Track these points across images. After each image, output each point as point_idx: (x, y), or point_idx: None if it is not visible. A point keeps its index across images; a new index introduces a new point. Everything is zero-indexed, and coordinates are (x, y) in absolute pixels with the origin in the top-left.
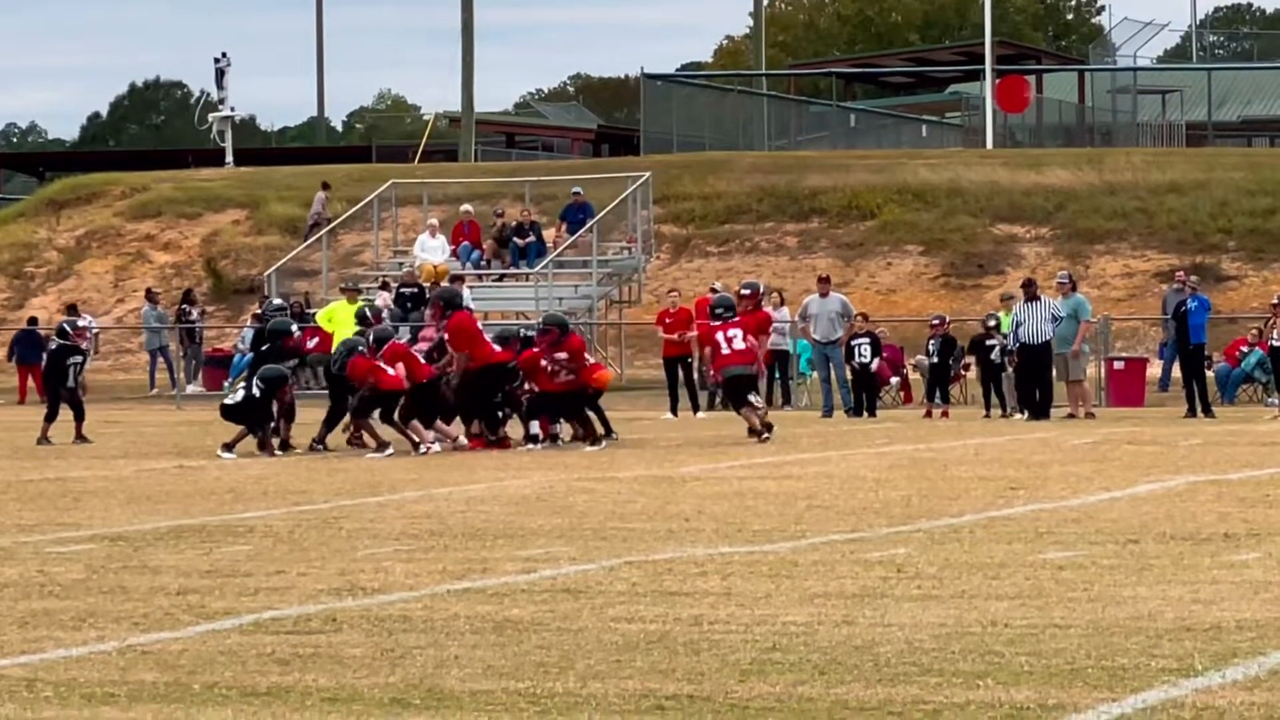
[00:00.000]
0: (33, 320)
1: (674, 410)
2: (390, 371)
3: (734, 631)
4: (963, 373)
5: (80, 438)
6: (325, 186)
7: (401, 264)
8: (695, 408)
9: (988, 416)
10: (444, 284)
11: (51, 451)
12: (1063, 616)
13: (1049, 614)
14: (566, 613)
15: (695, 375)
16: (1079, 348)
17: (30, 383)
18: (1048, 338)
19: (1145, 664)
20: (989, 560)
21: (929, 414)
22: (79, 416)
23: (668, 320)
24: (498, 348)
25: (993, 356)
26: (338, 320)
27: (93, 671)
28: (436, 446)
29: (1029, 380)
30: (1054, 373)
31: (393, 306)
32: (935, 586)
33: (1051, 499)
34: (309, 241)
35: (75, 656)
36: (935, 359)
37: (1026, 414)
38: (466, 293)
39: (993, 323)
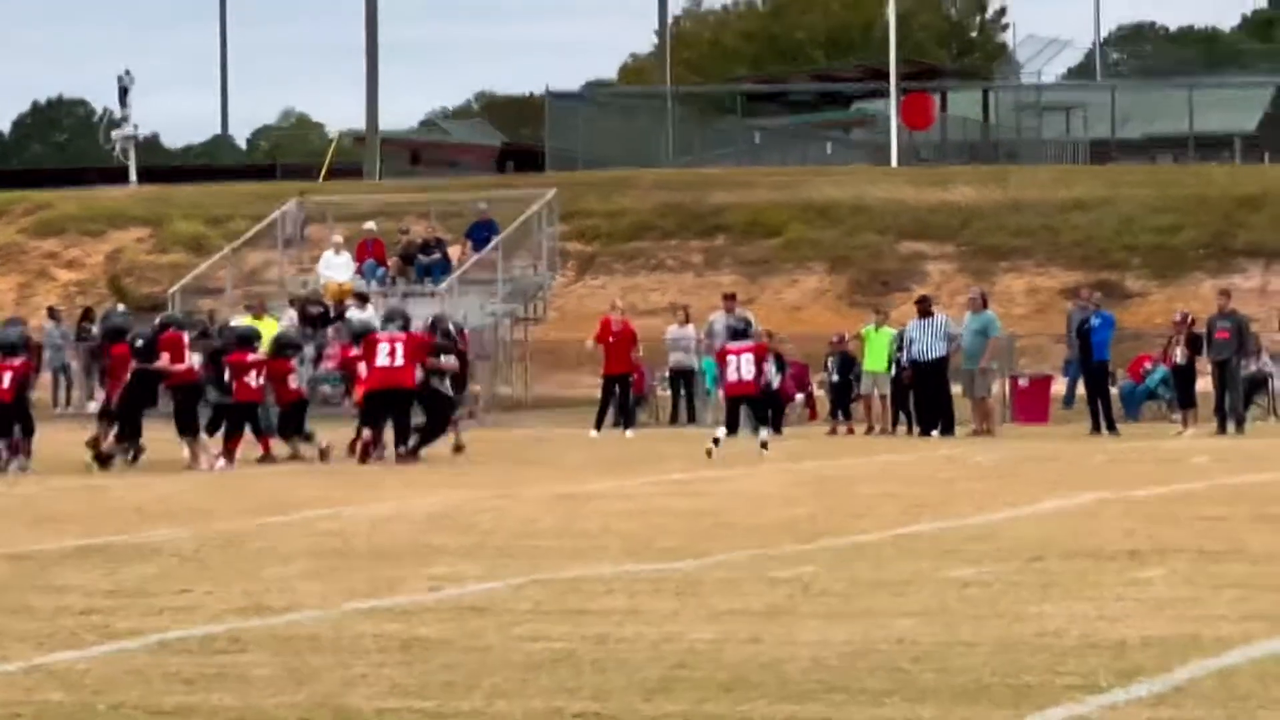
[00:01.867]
0: None
1: (598, 427)
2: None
3: (640, 649)
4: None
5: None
6: (302, 194)
7: (305, 282)
8: (628, 425)
9: (891, 433)
10: (348, 301)
11: None
12: (969, 634)
13: (955, 631)
14: (473, 631)
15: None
16: (986, 364)
17: None
18: (941, 354)
19: (1051, 681)
20: (895, 578)
21: (834, 431)
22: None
23: (610, 339)
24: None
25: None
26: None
27: None
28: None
29: (923, 397)
30: (952, 389)
31: (297, 324)
32: (842, 604)
33: (957, 516)
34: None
35: None
36: (836, 376)
37: (919, 431)
38: (370, 310)
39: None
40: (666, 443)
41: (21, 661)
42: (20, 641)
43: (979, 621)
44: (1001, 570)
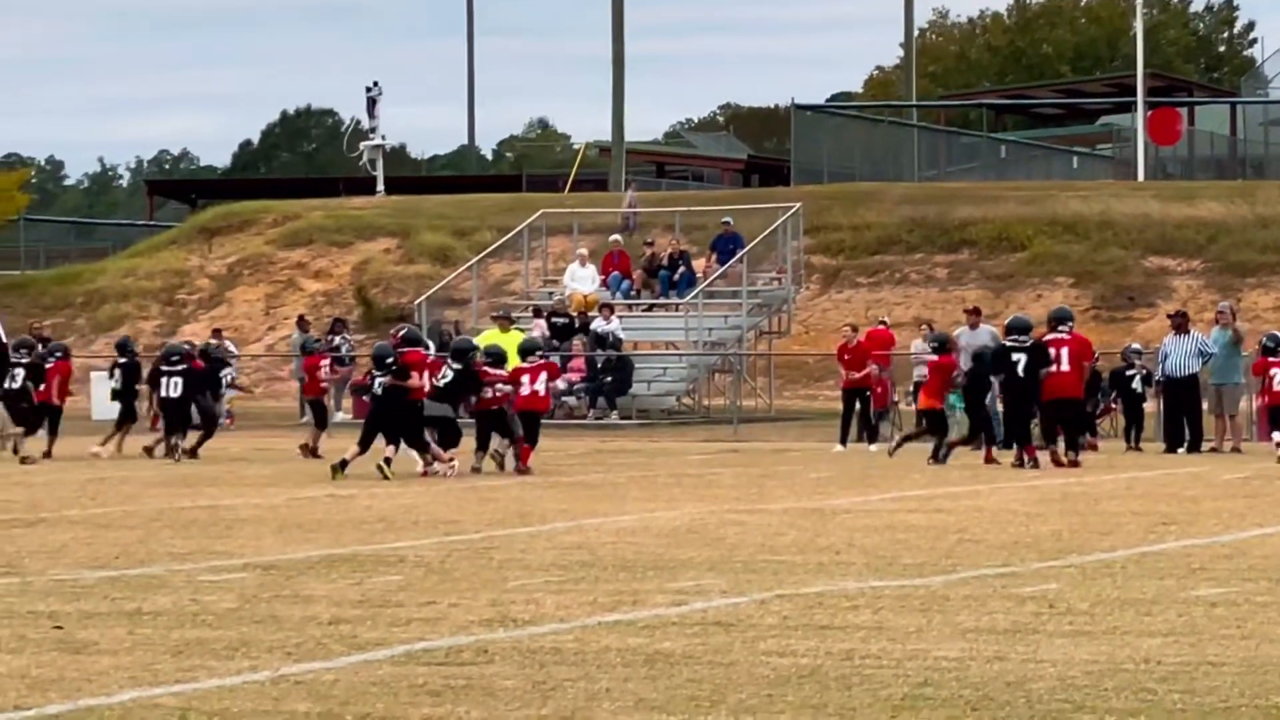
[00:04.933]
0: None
1: (843, 442)
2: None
3: (885, 666)
4: (1112, 407)
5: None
6: (630, 184)
7: (551, 293)
8: (872, 439)
9: (1129, 449)
10: (591, 313)
11: (203, 479)
12: (1216, 654)
13: (1202, 651)
14: (718, 646)
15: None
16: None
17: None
18: (1194, 371)
19: None
20: (1141, 596)
21: (1087, 447)
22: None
23: (846, 356)
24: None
25: (1134, 386)
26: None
27: (246, 701)
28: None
29: (1174, 414)
30: (1205, 406)
31: (547, 335)
32: (1087, 622)
33: (1204, 534)
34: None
35: (228, 686)
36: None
37: (1166, 447)
38: (616, 322)
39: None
40: (911, 457)
41: (269, 671)
42: (268, 651)
43: (1226, 642)
44: (1249, 590)
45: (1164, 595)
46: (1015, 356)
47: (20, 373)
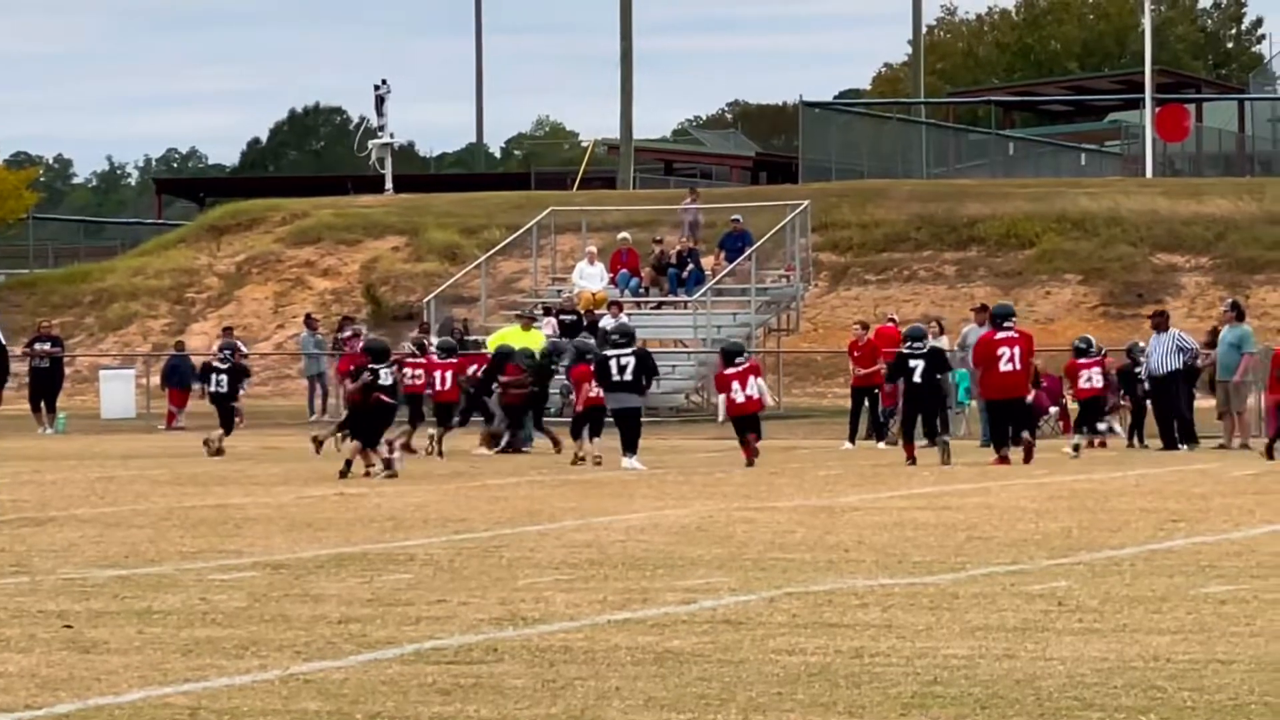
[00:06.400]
0: (180, 346)
1: (852, 439)
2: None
3: (895, 664)
4: (1121, 404)
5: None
6: (693, 192)
7: (560, 291)
8: (880, 437)
9: (1130, 447)
10: (599, 310)
11: (213, 478)
12: (1225, 651)
13: (1212, 649)
14: (727, 644)
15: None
16: (1242, 378)
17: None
18: (1174, 368)
19: None
20: (1150, 594)
21: (1090, 444)
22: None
23: (856, 353)
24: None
25: (1140, 383)
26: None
27: (255, 700)
28: None
29: (1161, 412)
30: (1207, 403)
31: (557, 333)
32: (1097, 620)
33: (1213, 532)
34: (682, 239)
35: (238, 685)
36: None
37: (1163, 445)
38: (624, 318)
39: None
40: (919, 455)
41: (279, 670)
42: (278, 650)
43: (1236, 639)
44: (1259, 587)
45: (1173, 593)
46: (912, 363)
47: (224, 377)
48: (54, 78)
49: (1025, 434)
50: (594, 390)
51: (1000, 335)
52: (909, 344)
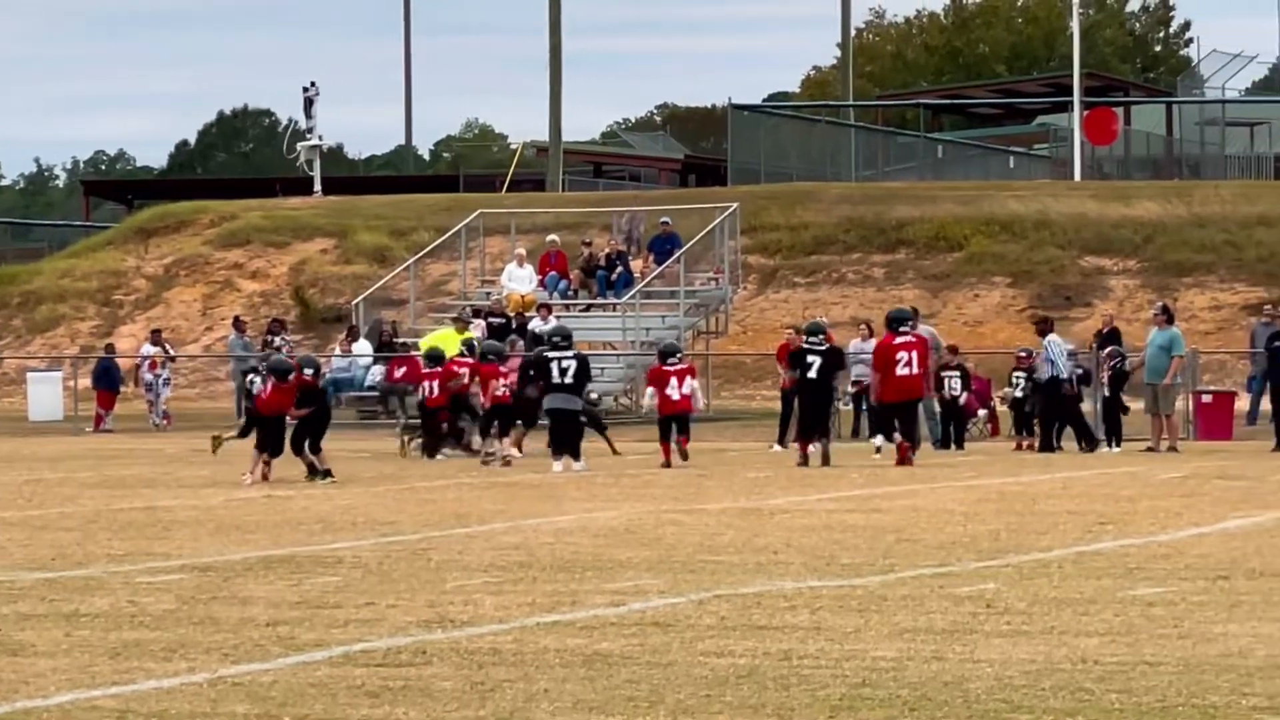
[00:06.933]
0: (110, 348)
1: (782, 442)
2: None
3: (824, 666)
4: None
5: None
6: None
7: (489, 294)
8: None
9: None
10: (529, 313)
11: (140, 480)
12: (1153, 653)
13: (1139, 651)
14: (656, 646)
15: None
16: (1171, 381)
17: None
18: (1049, 375)
19: (1237, 702)
20: (1078, 596)
21: (1019, 447)
22: None
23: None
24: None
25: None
26: (448, 347)
27: (184, 703)
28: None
29: (1048, 417)
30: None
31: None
32: (1025, 622)
33: (1140, 534)
34: (613, 241)
35: (166, 688)
36: (1022, 393)
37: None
38: (553, 322)
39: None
40: (847, 457)
41: (207, 673)
42: (206, 653)
43: (1163, 641)
44: (1186, 589)
45: (1101, 595)
46: (810, 359)
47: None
48: None
49: (898, 436)
50: (500, 389)
51: (899, 340)
52: (807, 339)
